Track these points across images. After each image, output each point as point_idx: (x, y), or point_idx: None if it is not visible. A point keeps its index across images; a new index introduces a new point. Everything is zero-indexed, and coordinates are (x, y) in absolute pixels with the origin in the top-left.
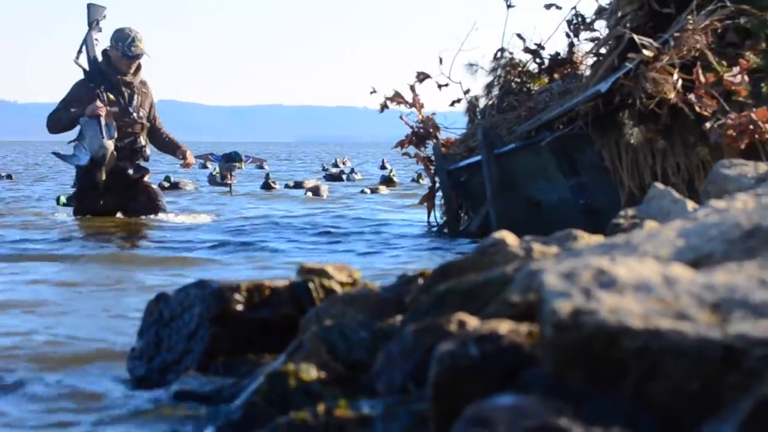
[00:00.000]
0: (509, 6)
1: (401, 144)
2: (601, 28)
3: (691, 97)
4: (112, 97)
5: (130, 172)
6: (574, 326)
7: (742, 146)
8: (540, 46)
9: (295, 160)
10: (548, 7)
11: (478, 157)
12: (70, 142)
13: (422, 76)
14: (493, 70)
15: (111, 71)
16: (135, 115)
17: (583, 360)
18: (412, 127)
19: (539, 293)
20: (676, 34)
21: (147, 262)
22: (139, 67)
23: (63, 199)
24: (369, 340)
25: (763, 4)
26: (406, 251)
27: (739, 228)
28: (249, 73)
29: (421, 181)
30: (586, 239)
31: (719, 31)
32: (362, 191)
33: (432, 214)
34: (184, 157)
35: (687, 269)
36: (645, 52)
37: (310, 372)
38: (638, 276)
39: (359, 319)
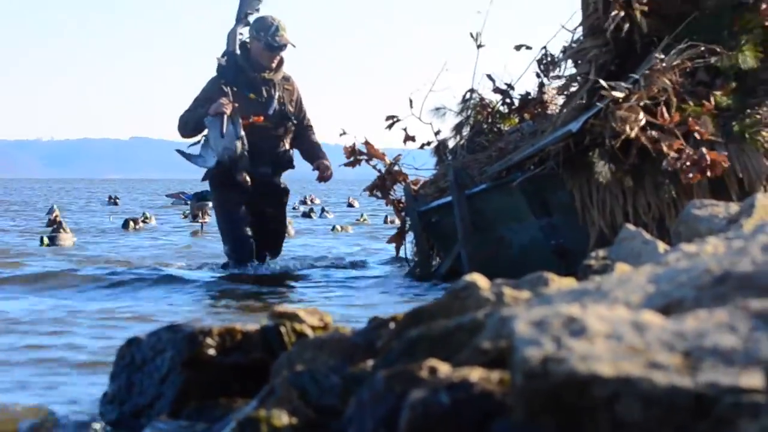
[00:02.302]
0: (479, 46)
1: (370, 189)
2: (570, 66)
3: (653, 134)
4: (252, 96)
5: (276, 181)
6: (544, 374)
7: (693, 180)
8: (510, 86)
9: None
10: (518, 48)
11: (449, 198)
12: (194, 144)
13: (391, 121)
14: (463, 110)
15: (248, 66)
16: (275, 114)
17: (554, 408)
18: (379, 171)
19: (510, 341)
20: (646, 74)
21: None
22: (281, 62)
23: (46, 240)
24: (340, 385)
25: (733, 43)
26: (377, 292)
27: (709, 274)
28: None
29: (389, 222)
30: (557, 283)
31: (689, 70)
32: (333, 228)
33: (401, 251)
34: (320, 170)
35: (657, 316)
36: (615, 93)
37: (282, 418)
38: (609, 323)
39: (330, 363)
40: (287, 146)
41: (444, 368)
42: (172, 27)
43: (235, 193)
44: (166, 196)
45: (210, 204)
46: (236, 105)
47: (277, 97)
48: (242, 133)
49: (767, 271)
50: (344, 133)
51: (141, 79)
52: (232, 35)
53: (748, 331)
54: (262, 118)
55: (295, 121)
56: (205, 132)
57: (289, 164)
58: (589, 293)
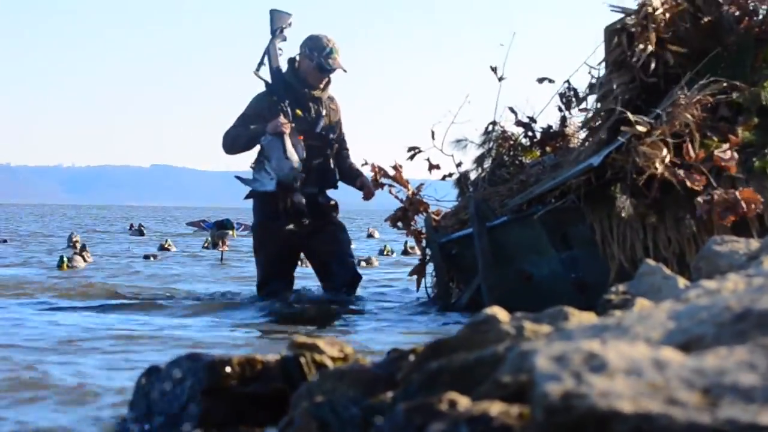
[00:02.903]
0: (500, 79)
1: (392, 220)
2: (593, 101)
3: (680, 172)
4: (299, 112)
5: (322, 200)
6: (564, 409)
7: (728, 223)
8: (532, 119)
9: None
10: (541, 80)
11: (470, 230)
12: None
13: (413, 152)
14: (485, 142)
15: (297, 83)
16: (323, 133)
17: None
18: (401, 201)
19: (530, 376)
20: (668, 109)
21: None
22: (329, 82)
23: (66, 260)
24: (360, 416)
25: (755, 79)
26: (397, 324)
27: (729, 311)
28: None
29: (410, 251)
30: (577, 317)
31: (711, 105)
32: (358, 263)
33: (422, 286)
34: (364, 187)
35: (677, 353)
36: (638, 127)
37: None
38: (629, 360)
39: (350, 395)
40: (332, 165)
41: (464, 401)
42: (194, 56)
43: (277, 224)
44: (187, 224)
45: (230, 233)
46: (293, 125)
47: (324, 114)
48: (304, 154)
49: None
50: (366, 163)
51: (163, 107)
52: (272, 50)
53: (767, 368)
54: (302, 137)
55: (337, 142)
56: (249, 151)
57: (334, 184)
58: (609, 329)
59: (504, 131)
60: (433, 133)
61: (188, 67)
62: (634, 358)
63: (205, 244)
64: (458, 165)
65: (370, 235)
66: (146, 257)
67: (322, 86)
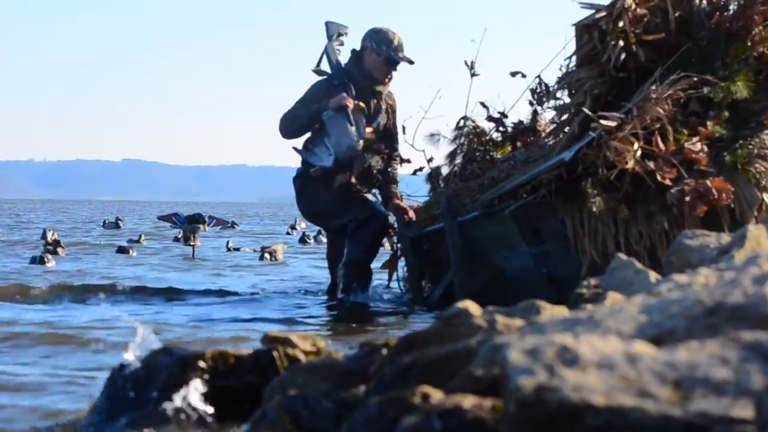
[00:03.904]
0: (473, 75)
1: None
2: (564, 96)
3: (651, 164)
4: (362, 104)
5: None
6: (537, 403)
7: (700, 213)
8: (503, 115)
9: (264, 220)
10: (513, 74)
11: (441, 225)
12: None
13: None
14: (456, 137)
15: (360, 76)
16: (380, 129)
17: None
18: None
19: (503, 369)
20: (639, 104)
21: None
22: (391, 77)
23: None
24: (333, 410)
25: (726, 74)
26: (369, 318)
27: (701, 305)
28: (213, 134)
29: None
30: (549, 311)
31: (682, 100)
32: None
33: (393, 278)
34: (386, 199)
35: (649, 346)
36: (608, 122)
37: None
38: (601, 353)
39: (323, 388)
40: (381, 163)
41: (437, 395)
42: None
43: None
44: (158, 218)
45: (201, 227)
46: (357, 102)
47: (384, 109)
48: (365, 133)
49: (758, 302)
50: None
51: (134, 102)
52: (330, 50)
53: (738, 362)
54: (371, 129)
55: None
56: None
57: (375, 185)
58: (581, 322)
59: (476, 126)
60: (404, 128)
61: (159, 61)
62: (606, 352)
63: (178, 237)
64: (429, 160)
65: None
66: (121, 250)
67: (387, 81)
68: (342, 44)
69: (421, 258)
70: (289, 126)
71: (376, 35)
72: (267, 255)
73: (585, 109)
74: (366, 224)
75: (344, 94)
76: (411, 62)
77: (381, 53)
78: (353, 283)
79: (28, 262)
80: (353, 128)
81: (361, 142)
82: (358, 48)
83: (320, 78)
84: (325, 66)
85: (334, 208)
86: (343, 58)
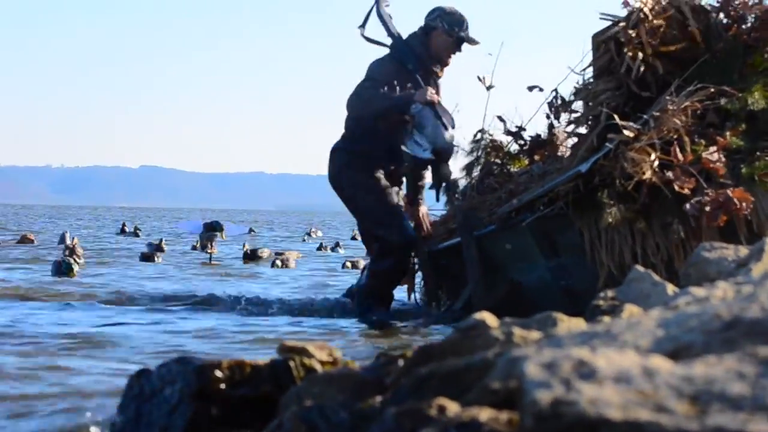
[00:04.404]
0: (488, 88)
1: None
2: (580, 108)
3: (669, 174)
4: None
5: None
6: (554, 416)
7: (720, 223)
8: (521, 128)
9: (281, 228)
10: (531, 89)
11: (458, 239)
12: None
13: None
14: (473, 150)
15: (427, 56)
16: None
17: None
18: None
19: (520, 382)
20: (656, 115)
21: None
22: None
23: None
24: (349, 421)
25: (743, 85)
26: (386, 329)
27: (718, 319)
28: (232, 140)
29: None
30: (566, 323)
31: (699, 112)
32: (343, 265)
33: (412, 294)
34: (419, 222)
35: (666, 361)
36: (625, 132)
37: None
38: (618, 367)
39: (339, 399)
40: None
41: (453, 407)
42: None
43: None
44: (176, 225)
45: (218, 235)
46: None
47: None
48: (455, 125)
49: None
50: None
51: (152, 108)
52: (383, 12)
53: (756, 377)
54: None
55: None
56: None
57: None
58: (598, 335)
59: (493, 140)
60: None
61: (177, 68)
62: (623, 366)
63: (195, 245)
64: None
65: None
66: (145, 257)
67: (449, 63)
68: (388, 5)
69: (438, 272)
70: (363, 108)
71: (448, 16)
72: (279, 262)
73: (612, 111)
74: (393, 252)
75: (431, 90)
76: (478, 43)
77: (453, 34)
78: (373, 310)
79: (52, 273)
80: (446, 122)
81: (453, 136)
82: (421, 25)
83: (383, 56)
84: (374, 31)
85: (371, 210)
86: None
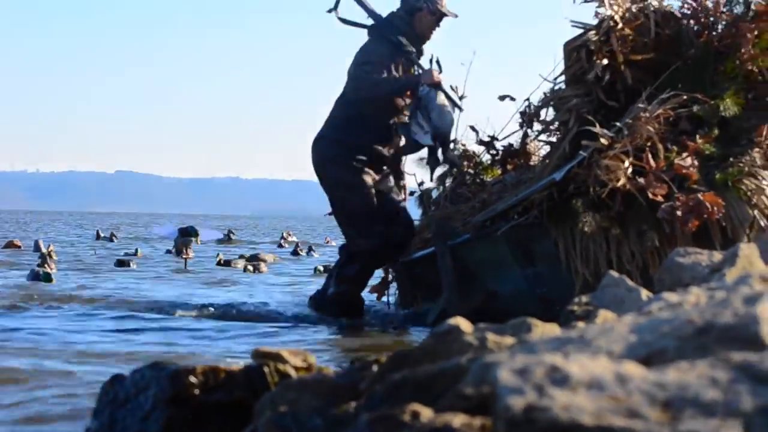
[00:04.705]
0: (461, 97)
1: None
2: (551, 116)
3: (641, 180)
4: (412, 70)
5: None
6: (526, 422)
7: (692, 228)
8: (494, 138)
9: (258, 233)
10: (502, 98)
11: (433, 249)
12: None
13: None
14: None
15: (414, 37)
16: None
17: None
18: None
19: (493, 388)
20: (629, 122)
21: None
22: None
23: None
24: (323, 426)
25: (715, 92)
26: (360, 334)
27: (691, 325)
28: (208, 146)
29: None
30: (540, 328)
31: (672, 119)
32: (315, 270)
33: (382, 300)
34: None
35: (639, 367)
36: (600, 140)
37: None
38: (591, 373)
39: (314, 404)
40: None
41: (426, 413)
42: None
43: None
44: (151, 231)
45: (194, 240)
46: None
47: None
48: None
49: (748, 323)
50: None
51: (126, 113)
52: None
53: (728, 383)
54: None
55: None
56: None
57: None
58: (572, 341)
59: (465, 150)
60: None
61: (153, 73)
62: (596, 372)
63: (170, 250)
64: (420, 184)
65: (326, 242)
66: (120, 263)
67: (431, 38)
68: None
69: (413, 282)
70: (373, 90)
71: None
72: (250, 267)
73: (575, 126)
74: (359, 256)
75: (435, 70)
76: (457, 16)
77: (436, 13)
78: (343, 318)
79: (28, 278)
80: (450, 103)
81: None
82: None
83: (373, 38)
84: (343, 9)
85: (349, 210)
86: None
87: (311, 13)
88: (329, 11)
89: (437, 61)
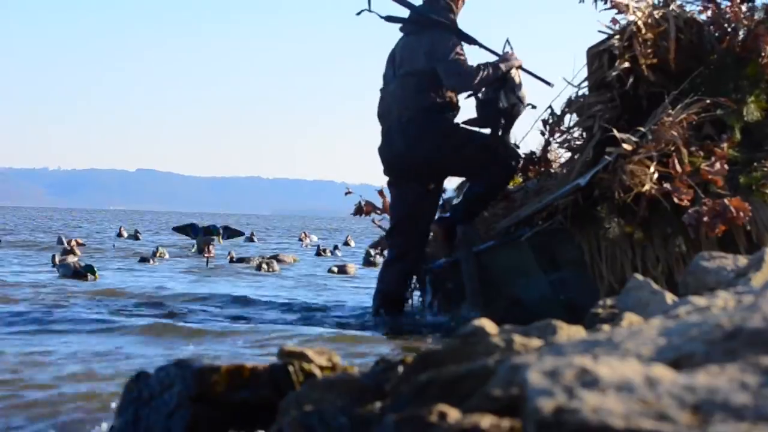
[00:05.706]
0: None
1: (375, 246)
2: (573, 121)
3: (667, 186)
4: None
5: None
6: (556, 424)
7: (719, 233)
8: (515, 145)
9: (280, 232)
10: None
11: (457, 256)
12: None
13: None
14: None
15: (453, 18)
16: None
17: None
18: (384, 230)
19: (522, 390)
20: (653, 127)
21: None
22: None
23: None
24: (348, 426)
25: (737, 97)
26: (386, 334)
27: (720, 329)
28: (228, 145)
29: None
30: (565, 331)
31: (695, 124)
32: (329, 270)
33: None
34: None
35: (668, 370)
36: (624, 145)
37: None
38: (620, 376)
39: (338, 404)
40: None
41: (454, 414)
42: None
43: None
44: (173, 229)
45: (216, 239)
46: None
47: None
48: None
49: None
50: (349, 192)
51: (148, 112)
52: None
53: (758, 387)
54: None
55: None
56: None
57: None
58: (600, 344)
59: None
60: None
61: (174, 71)
62: (625, 375)
63: (192, 249)
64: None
65: (346, 243)
66: (143, 260)
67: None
68: None
69: (437, 288)
70: (479, 82)
71: None
72: (264, 265)
73: (605, 124)
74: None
75: (514, 53)
76: None
77: None
78: (386, 315)
79: (61, 275)
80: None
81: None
82: None
83: (441, 29)
84: (378, 6)
85: (489, 145)
86: None
87: (331, 10)
88: (358, 14)
89: (508, 42)
